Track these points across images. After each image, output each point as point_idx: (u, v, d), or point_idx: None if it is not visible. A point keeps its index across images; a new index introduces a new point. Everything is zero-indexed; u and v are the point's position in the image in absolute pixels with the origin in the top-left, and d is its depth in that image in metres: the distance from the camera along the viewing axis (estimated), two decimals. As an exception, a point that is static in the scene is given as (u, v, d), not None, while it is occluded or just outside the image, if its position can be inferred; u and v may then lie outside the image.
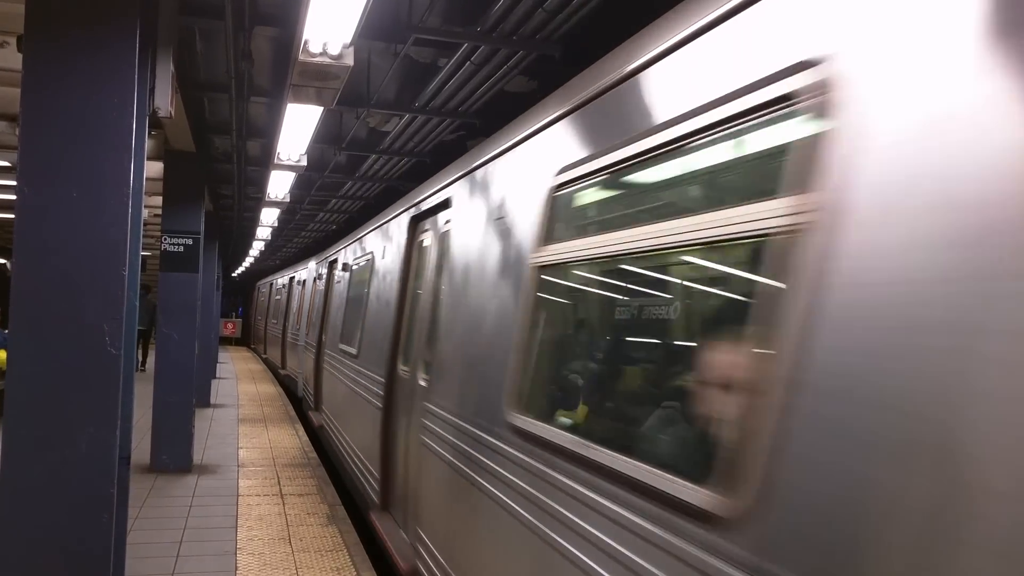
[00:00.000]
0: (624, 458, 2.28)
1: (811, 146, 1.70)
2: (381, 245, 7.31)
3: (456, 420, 4.03)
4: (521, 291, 3.32)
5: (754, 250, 1.95)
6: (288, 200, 11.11)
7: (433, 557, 4.31)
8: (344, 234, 12.72)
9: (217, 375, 18.07)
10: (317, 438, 10.91)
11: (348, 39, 4.52)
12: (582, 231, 3.05)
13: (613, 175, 2.74)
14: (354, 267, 8.99)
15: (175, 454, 8.39)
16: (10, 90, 6.88)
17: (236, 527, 6.44)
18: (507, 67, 5.90)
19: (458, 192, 4.75)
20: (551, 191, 3.14)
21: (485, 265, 3.90)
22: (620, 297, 2.94)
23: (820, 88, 1.70)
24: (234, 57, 5.95)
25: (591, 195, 3.02)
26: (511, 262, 3.54)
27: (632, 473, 2.20)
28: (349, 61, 4.64)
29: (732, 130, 2.04)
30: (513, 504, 3.12)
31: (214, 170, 10.88)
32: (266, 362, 23.60)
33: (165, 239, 8.70)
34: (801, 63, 1.78)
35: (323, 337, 11.20)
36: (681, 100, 2.25)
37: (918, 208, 1.42)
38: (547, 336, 3.29)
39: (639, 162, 2.50)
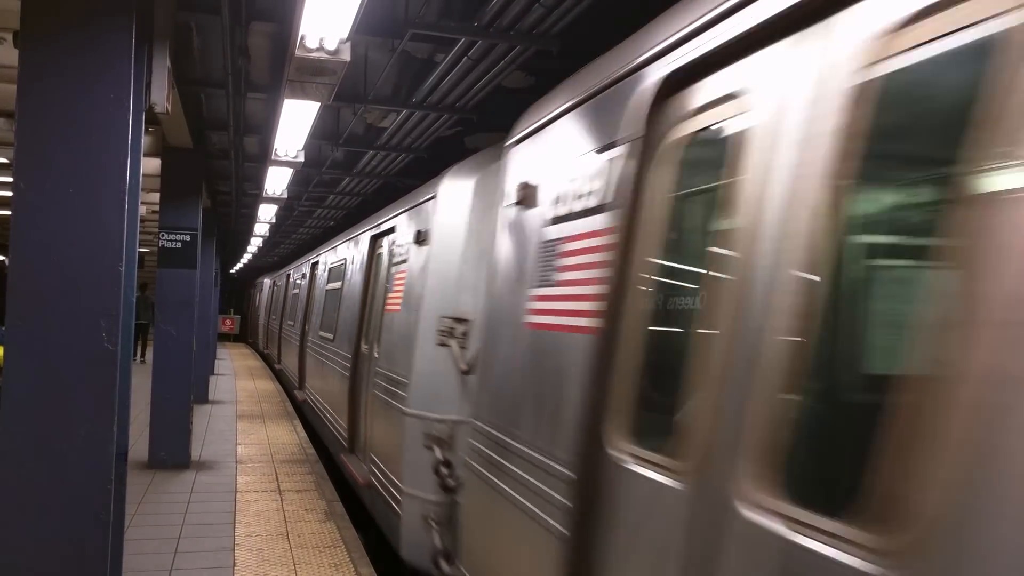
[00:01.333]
0: None
1: None
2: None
3: None
4: None
5: None
6: (286, 196, 11.10)
7: None
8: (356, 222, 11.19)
9: (215, 371, 18.09)
10: (316, 436, 10.91)
11: (345, 34, 4.51)
12: None
13: None
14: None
15: (173, 450, 8.40)
16: (6, 86, 6.87)
17: (234, 523, 6.45)
18: (504, 62, 5.89)
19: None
20: None
21: None
22: None
23: None
24: (231, 53, 5.94)
25: None
26: None
27: None
28: (346, 56, 4.64)
29: None
30: None
31: (211, 166, 10.86)
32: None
33: (163, 235, 8.69)
34: None
35: (363, 347, 7.76)
36: None
37: None
38: None
39: None
